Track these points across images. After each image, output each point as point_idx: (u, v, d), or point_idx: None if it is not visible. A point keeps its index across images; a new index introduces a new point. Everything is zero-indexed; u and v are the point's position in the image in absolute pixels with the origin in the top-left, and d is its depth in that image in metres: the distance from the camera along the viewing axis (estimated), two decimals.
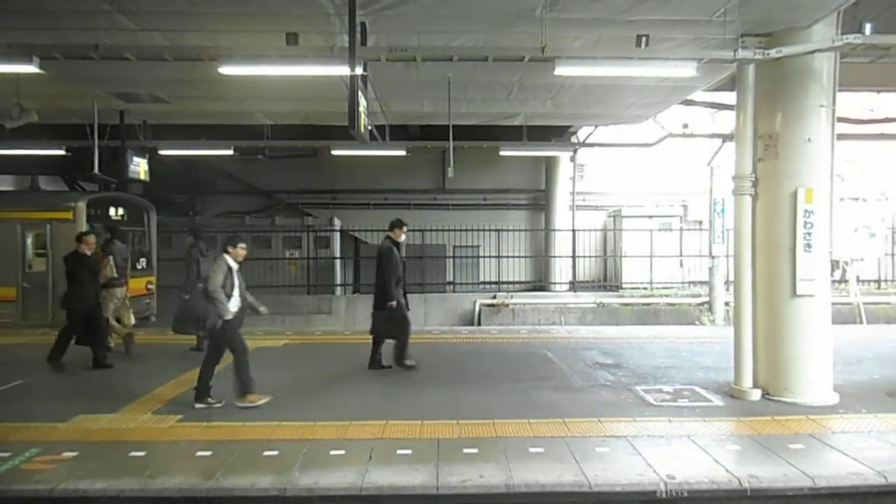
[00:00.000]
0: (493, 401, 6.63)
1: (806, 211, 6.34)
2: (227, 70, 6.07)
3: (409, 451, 5.16)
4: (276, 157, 18.64)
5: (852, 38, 5.73)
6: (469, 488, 4.56)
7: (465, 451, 5.16)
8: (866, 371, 7.89)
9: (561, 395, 6.87)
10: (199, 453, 5.16)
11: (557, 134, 16.37)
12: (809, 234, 6.35)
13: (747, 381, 6.67)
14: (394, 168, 17.95)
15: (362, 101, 5.86)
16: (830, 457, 5.08)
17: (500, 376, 7.78)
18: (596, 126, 16.45)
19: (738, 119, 6.72)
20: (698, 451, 5.18)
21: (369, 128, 9.81)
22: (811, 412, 6.14)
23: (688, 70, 6.04)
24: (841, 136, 14.36)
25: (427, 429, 5.71)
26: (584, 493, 4.56)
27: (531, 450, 5.18)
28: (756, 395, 6.59)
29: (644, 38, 5.85)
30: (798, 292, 6.39)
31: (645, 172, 19.48)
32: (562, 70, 6.02)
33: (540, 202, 19.84)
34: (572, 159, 18.79)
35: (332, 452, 5.14)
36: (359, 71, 5.63)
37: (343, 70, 5.73)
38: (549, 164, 19.08)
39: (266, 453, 5.14)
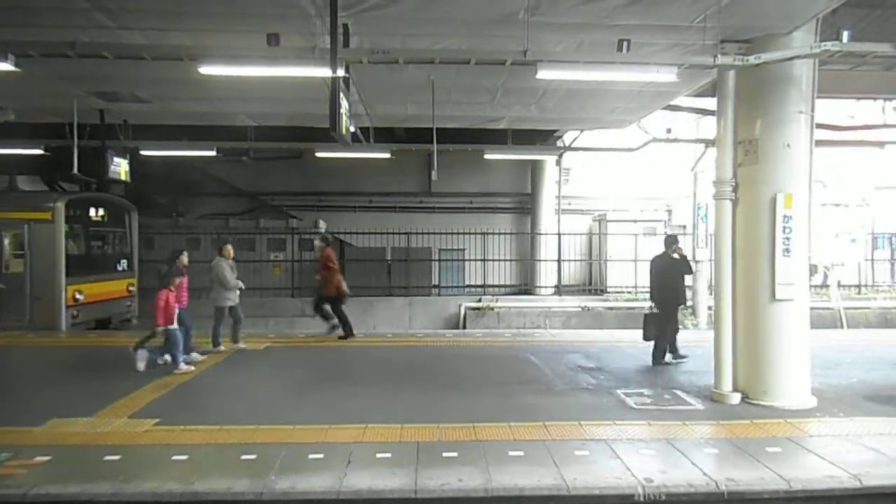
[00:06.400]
0: (474, 404, 6.61)
1: (785, 216, 6.40)
2: (206, 70, 6.01)
3: (388, 455, 5.13)
4: (260, 158, 18.51)
5: (830, 46, 5.80)
6: (447, 492, 4.54)
7: (445, 454, 5.14)
8: (845, 375, 7.97)
9: (542, 399, 6.86)
10: (175, 457, 5.09)
11: (543, 138, 16.42)
12: (788, 239, 6.41)
13: (727, 385, 6.71)
14: (380, 171, 17.88)
15: (344, 103, 5.83)
16: (807, 460, 5.11)
17: (483, 380, 7.78)
18: (581, 130, 16.52)
19: (719, 124, 6.77)
20: (677, 454, 5.20)
21: (352, 130, 9.80)
22: (789, 416, 6.19)
23: (669, 75, 6.08)
24: (821, 143, 14.60)
25: (407, 432, 5.68)
26: (563, 496, 4.55)
27: (511, 453, 5.17)
28: (736, 398, 6.64)
29: (625, 43, 5.87)
30: (777, 297, 6.45)
31: (630, 177, 19.57)
32: (544, 74, 6.03)
33: (526, 206, 19.88)
34: (558, 163, 18.85)
35: (311, 456, 5.10)
36: (340, 73, 5.60)
37: (325, 71, 5.71)
38: (535, 168, 19.12)
39: (244, 457, 5.09)
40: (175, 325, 8.08)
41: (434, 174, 9.51)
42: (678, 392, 7.07)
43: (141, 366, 8.06)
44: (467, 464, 4.93)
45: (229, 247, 9.61)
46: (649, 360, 8.74)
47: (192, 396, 7.00)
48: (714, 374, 6.88)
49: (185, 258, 8.75)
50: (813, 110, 6.53)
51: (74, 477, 4.71)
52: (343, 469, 4.84)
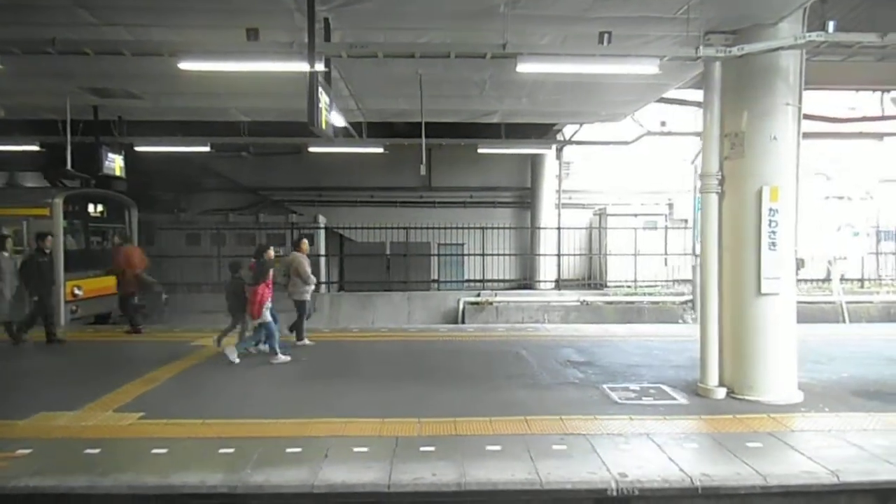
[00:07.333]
0: (458, 399, 6.61)
1: (771, 209, 6.33)
2: (186, 65, 6.03)
3: (365, 449, 5.14)
4: (261, 154, 18.55)
5: (814, 36, 5.72)
6: (420, 486, 4.55)
7: (423, 449, 5.15)
8: (836, 369, 7.90)
9: (527, 393, 6.85)
10: (155, 451, 5.13)
11: (542, 132, 16.32)
12: (774, 232, 6.34)
13: (713, 380, 6.67)
14: (380, 166, 17.82)
15: (324, 98, 5.82)
16: (786, 455, 5.07)
17: (470, 374, 7.77)
18: (581, 124, 16.41)
19: (705, 117, 6.71)
20: (655, 449, 5.17)
21: (343, 125, 9.81)
22: (773, 410, 6.15)
23: (650, 67, 6.02)
24: (819, 135, 14.48)
25: (387, 427, 5.69)
26: (536, 490, 4.55)
27: (488, 448, 5.16)
28: (721, 393, 6.59)
29: (606, 35, 5.82)
30: (763, 291, 6.39)
31: (631, 171, 19.39)
32: (524, 67, 5.99)
33: (526, 200, 19.79)
34: (558, 157, 18.76)
35: (289, 450, 5.12)
36: (319, 67, 5.59)
37: (304, 66, 5.69)
38: (536, 162, 19.01)
39: (222, 451, 5.12)
40: (269, 318, 8.38)
41: (422, 168, 9.50)
42: (664, 387, 7.03)
43: (235, 358, 8.35)
44: (443, 458, 4.93)
45: (306, 241, 9.76)
46: (641, 356, 8.72)
47: (180, 391, 7.05)
48: (700, 368, 6.84)
49: (271, 252, 8.89)
50: (800, 102, 6.45)
51: (53, 470, 4.76)
52: (319, 463, 4.85)
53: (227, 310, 8.98)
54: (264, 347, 8.58)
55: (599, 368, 8.03)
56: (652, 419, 5.91)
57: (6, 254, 9.53)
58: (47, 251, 9.74)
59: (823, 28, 5.91)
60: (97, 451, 5.14)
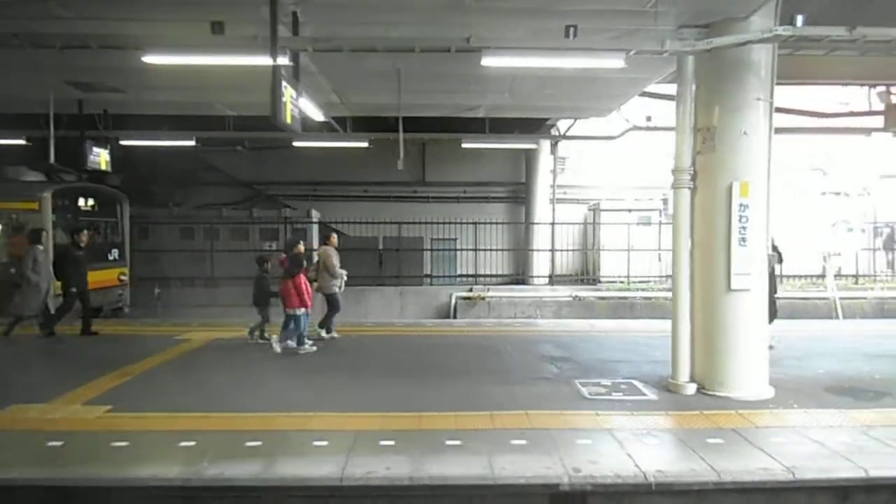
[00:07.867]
0: (428, 394, 6.60)
1: (741, 205, 6.28)
2: (150, 59, 6.03)
3: (325, 443, 5.15)
4: (256, 148, 18.57)
5: (781, 30, 5.66)
6: (372, 480, 4.55)
7: (382, 443, 5.14)
8: (813, 366, 7.85)
9: (499, 388, 6.83)
10: (115, 444, 5.14)
11: (536, 126, 16.24)
12: (744, 228, 6.30)
13: (684, 376, 6.64)
14: (373, 161, 17.73)
15: (289, 92, 5.82)
16: (745, 452, 5.03)
17: (446, 369, 7.78)
18: (575, 119, 16.33)
19: (678, 111, 6.64)
20: (615, 445, 5.15)
21: (325, 119, 9.81)
22: (742, 407, 6.10)
23: (616, 62, 5.97)
24: (806, 130, 14.36)
25: (352, 421, 5.70)
26: (488, 485, 4.54)
27: (448, 442, 5.15)
28: (691, 389, 6.56)
29: (572, 29, 5.77)
30: (733, 287, 6.35)
31: (626, 166, 19.26)
32: (489, 61, 5.95)
33: (520, 195, 19.73)
34: (553, 152, 18.67)
35: (249, 444, 5.12)
36: (283, 61, 5.58)
37: (268, 60, 5.68)
38: (530, 157, 18.91)
39: (182, 444, 5.13)
40: (304, 310, 8.51)
41: (400, 163, 9.49)
42: (636, 382, 7.01)
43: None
44: (400, 453, 4.93)
45: (335, 235, 9.84)
46: (621, 351, 8.70)
47: (153, 384, 7.08)
48: (671, 364, 6.80)
49: (301, 246, 8.94)
50: (772, 97, 6.38)
51: (13, 462, 4.79)
52: (276, 457, 4.87)
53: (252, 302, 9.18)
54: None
55: (576, 364, 8.01)
56: (618, 415, 5.89)
57: (41, 247, 9.61)
58: (82, 245, 9.94)
59: (792, 22, 5.84)
60: (60, 443, 5.17)
